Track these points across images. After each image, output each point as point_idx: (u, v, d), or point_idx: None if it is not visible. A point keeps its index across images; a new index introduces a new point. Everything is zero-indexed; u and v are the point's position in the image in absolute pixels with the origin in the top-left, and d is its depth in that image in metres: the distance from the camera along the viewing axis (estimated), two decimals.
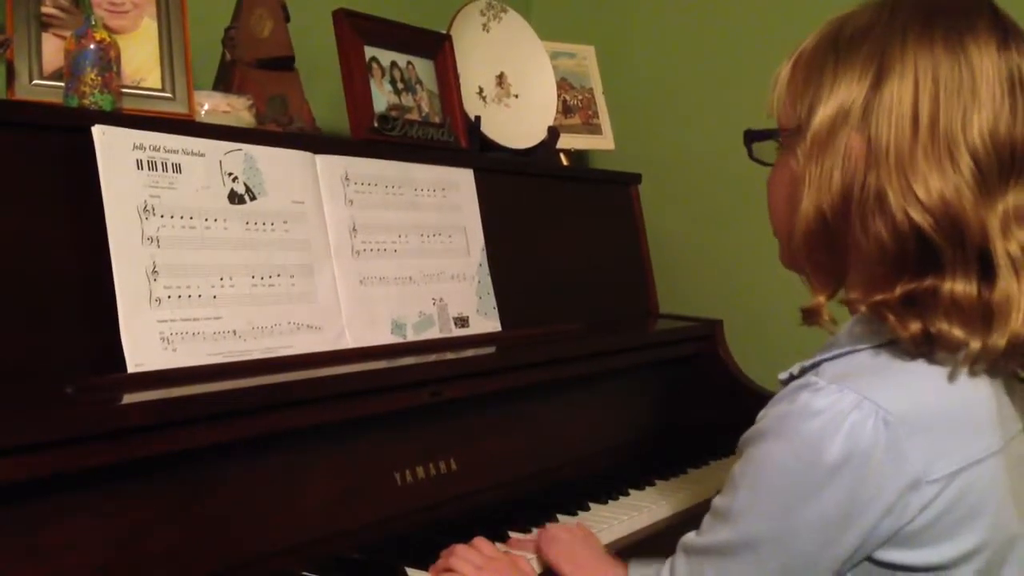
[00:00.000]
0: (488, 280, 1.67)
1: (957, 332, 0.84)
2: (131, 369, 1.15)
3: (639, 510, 1.46)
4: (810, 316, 0.94)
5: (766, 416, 0.89)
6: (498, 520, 1.34)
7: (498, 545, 1.25)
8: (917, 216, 0.84)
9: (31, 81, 1.32)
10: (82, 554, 1.01)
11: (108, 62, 1.31)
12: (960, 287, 0.84)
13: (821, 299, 0.94)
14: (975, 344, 0.84)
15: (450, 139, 1.77)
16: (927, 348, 0.85)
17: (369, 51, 1.67)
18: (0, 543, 0.95)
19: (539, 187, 1.90)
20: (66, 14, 1.36)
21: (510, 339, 1.65)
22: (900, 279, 0.86)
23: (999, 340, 0.84)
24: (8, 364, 1.09)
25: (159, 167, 1.25)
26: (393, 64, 1.71)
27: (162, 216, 1.23)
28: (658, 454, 1.75)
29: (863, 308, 0.89)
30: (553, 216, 1.90)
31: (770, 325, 1.96)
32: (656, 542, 1.38)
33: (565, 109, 2.21)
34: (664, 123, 2.41)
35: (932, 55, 0.86)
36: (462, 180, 1.68)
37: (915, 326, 0.84)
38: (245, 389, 1.17)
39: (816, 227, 0.90)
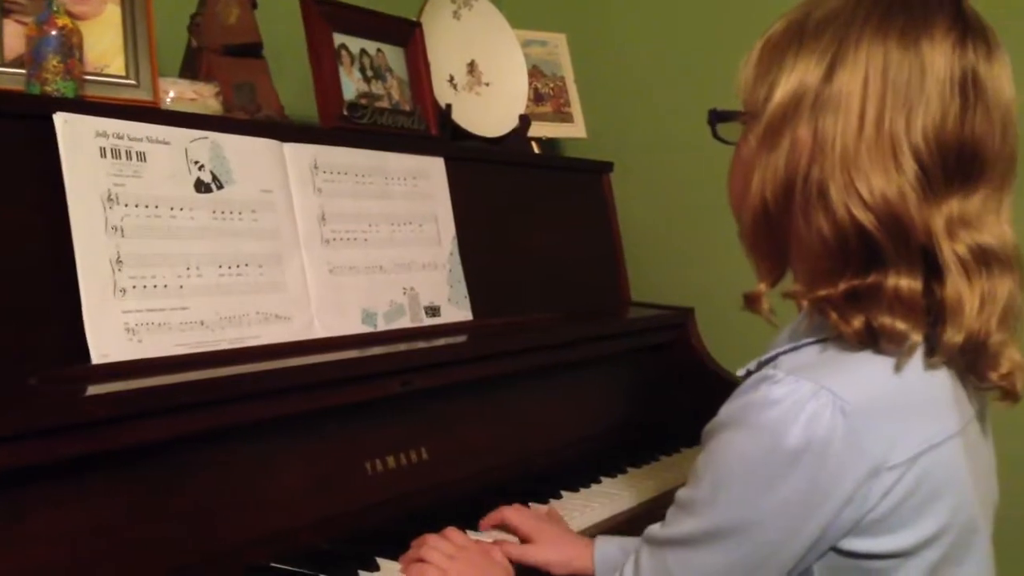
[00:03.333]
0: (459, 269, 1.67)
1: (900, 325, 0.84)
2: (96, 361, 1.14)
3: (611, 497, 1.46)
4: (750, 303, 0.94)
5: (727, 408, 0.89)
6: (470, 510, 1.34)
7: (469, 534, 1.25)
8: (859, 214, 0.83)
9: None
10: (47, 549, 1.00)
11: (70, 48, 1.29)
12: (905, 283, 0.84)
13: (762, 287, 0.94)
14: (916, 337, 0.84)
15: (421, 127, 1.76)
16: (871, 341, 0.85)
17: (338, 38, 1.65)
18: None
19: (511, 176, 1.89)
20: (28, 0, 1.34)
21: (481, 328, 1.65)
22: (843, 275, 0.86)
23: (956, 337, 0.84)
24: None
25: (123, 155, 1.23)
26: (362, 51, 1.70)
27: (126, 205, 1.22)
28: (630, 442, 1.75)
29: (805, 303, 0.89)
30: (525, 205, 1.90)
31: (741, 314, 1.96)
32: (627, 529, 1.38)
33: (537, 97, 2.20)
34: (636, 111, 2.40)
35: (884, 50, 0.85)
36: (433, 168, 1.67)
37: (857, 321, 0.85)
38: (213, 380, 1.15)
39: (760, 215, 0.91)
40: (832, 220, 0.85)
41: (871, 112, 0.84)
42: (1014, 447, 1.21)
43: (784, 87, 0.89)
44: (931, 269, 0.85)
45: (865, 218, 0.83)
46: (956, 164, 0.84)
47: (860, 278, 0.85)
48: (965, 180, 0.85)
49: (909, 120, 0.83)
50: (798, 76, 0.88)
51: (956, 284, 0.84)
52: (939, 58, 0.84)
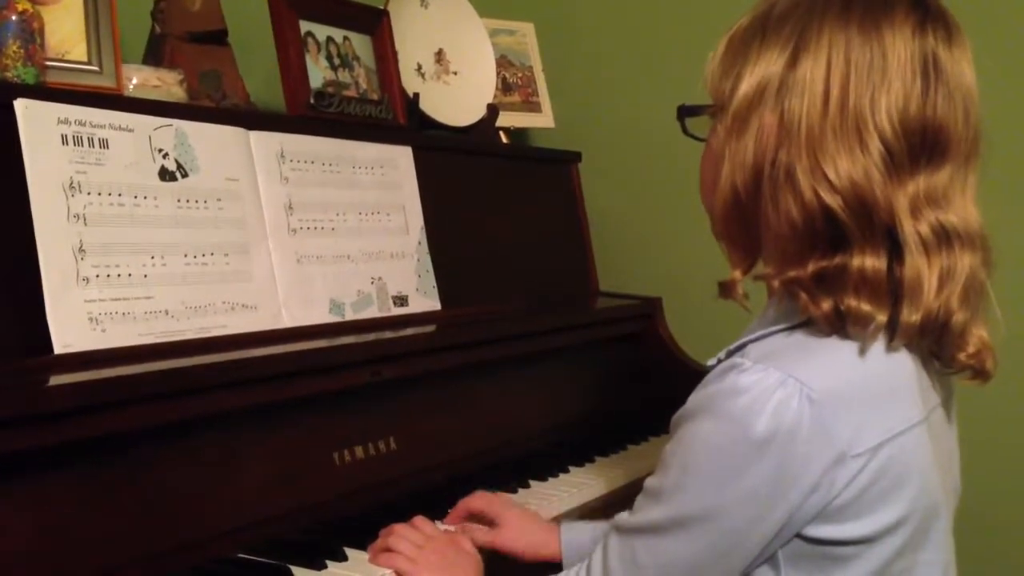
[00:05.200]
0: (427, 258, 1.66)
1: (865, 307, 0.85)
2: (58, 351, 1.12)
3: (579, 487, 1.47)
4: (725, 290, 0.96)
5: (695, 396, 0.90)
6: (438, 500, 1.34)
7: (437, 523, 1.25)
8: (826, 196, 0.85)
9: None
10: (10, 540, 0.98)
11: (31, 34, 1.27)
12: (869, 263, 0.85)
13: (736, 274, 0.95)
14: (881, 318, 0.85)
15: (388, 116, 1.75)
16: (839, 324, 0.86)
17: (304, 25, 1.63)
18: None
19: (479, 165, 1.89)
20: None
21: (450, 318, 1.64)
22: (811, 256, 0.87)
23: (913, 316, 0.85)
24: None
25: (85, 142, 1.21)
26: (329, 39, 1.68)
27: (89, 193, 1.20)
28: (598, 432, 1.76)
29: (776, 284, 0.90)
30: (493, 194, 1.89)
31: (709, 303, 1.97)
32: (596, 518, 1.39)
33: (504, 87, 2.20)
34: (604, 101, 2.40)
35: (846, 35, 0.86)
36: (400, 158, 1.67)
37: (826, 304, 0.86)
38: (178, 370, 1.14)
39: (731, 203, 0.92)
40: (800, 203, 0.86)
41: (835, 93, 0.85)
42: (977, 434, 1.23)
43: (749, 78, 0.90)
44: (894, 249, 0.86)
45: (832, 200, 0.84)
46: (920, 144, 0.86)
47: (827, 259, 0.86)
48: (930, 159, 0.87)
49: (873, 101, 0.85)
50: (763, 67, 0.90)
51: (915, 262, 0.85)
52: (900, 42, 0.86)
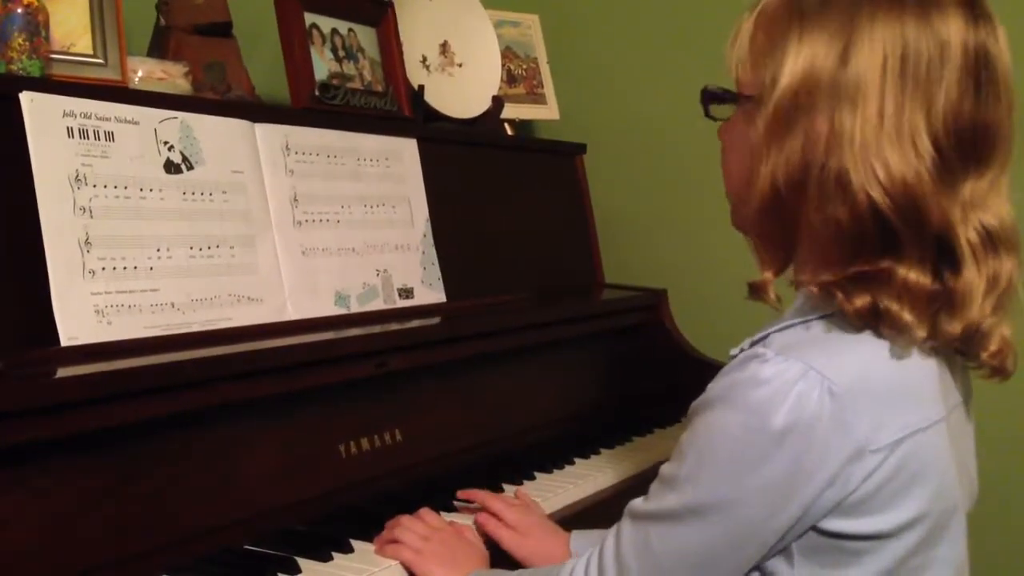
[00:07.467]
0: (432, 251, 1.66)
1: (907, 316, 0.83)
2: (64, 343, 1.12)
3: (584, 478, 1.47)
4: (756, 291, 0.93)
5: (715, 385, 0.89)
6: (444, 491, 1.34)
7: (444, 515, 1.25)
8: (878, 197, 0.82)
9: None
10: (16, 532, 0.99)
11: (36, 26, 1.27)
12: (914, 276, 0.83)
13: (768, 275, 0.93)
14: (921, 332, 0.84)
15: (393, 108, 1.75)
16: (873, 322, 0.85)
17: (309, 17, 1.63)
18: None
19: (484, 157, 1.88)
20: None
21: (455, 310, 1.64)
22: (855, 261, 0.85)
23: (955, 328, 0.84)
24: None
25: (91, 135, 1.21)
26: (334, 31, 1.68)
27: (95, 186, 1.20)
28: (603, 423, 1.76)
29: (812, 289, 0.88)
30: (498, 186, 1.89)
31: (715, 295, 1.97)
32: (601, 510, 1.39)
33: (509, 79, 2.20)
34: (609, 93, 2.40)
35: (901, 27, 0.83)
36: (405, 150, 1.66)
37: (860, 300, 0.84)
38: (184, 362, 1.14)
39: (770, 200, 0.88)
40: (850, 205, 0.83)
41: (890, 105, 0.83)
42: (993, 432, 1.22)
43: (792, 69, 0.86)
44: (943, 258, 0.84)
45: (883, 201, 0.82)
46: (972, 146, 0.84)
47: (872, 264, 0.84)
48: (978, 162, 0.85)
49: (929, 109, 0.83)
50: (807, 59, 0.85)
51: (970, 274, 0.83)
52: (955, 35, 0.84)
